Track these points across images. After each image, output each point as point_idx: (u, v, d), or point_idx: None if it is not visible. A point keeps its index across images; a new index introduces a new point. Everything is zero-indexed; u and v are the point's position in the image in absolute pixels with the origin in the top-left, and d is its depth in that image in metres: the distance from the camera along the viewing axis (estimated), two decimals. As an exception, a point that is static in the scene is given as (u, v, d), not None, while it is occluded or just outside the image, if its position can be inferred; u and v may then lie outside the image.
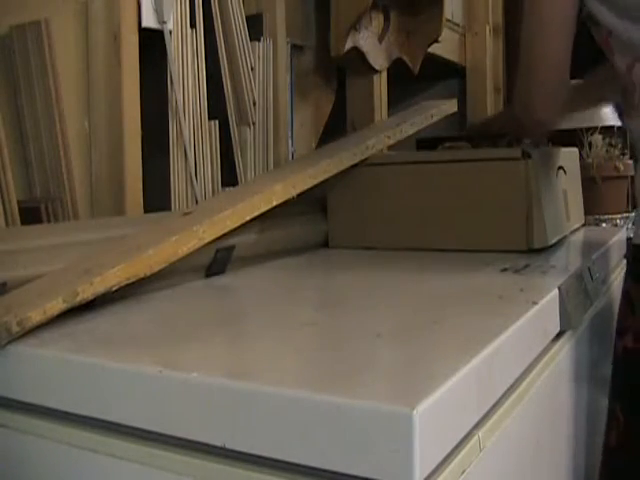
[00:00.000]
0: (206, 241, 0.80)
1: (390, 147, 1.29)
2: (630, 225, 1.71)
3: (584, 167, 1.45)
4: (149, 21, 1.04)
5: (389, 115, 1.64)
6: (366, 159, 1.13)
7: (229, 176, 1.20)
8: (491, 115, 1.95)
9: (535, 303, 0.65)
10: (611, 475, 0.84)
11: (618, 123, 1.77)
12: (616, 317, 0.88)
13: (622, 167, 1.70)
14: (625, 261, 1.18)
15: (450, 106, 1.42)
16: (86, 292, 0.63)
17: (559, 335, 0.73)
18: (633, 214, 1.74)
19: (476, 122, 1.55)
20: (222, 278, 0.88)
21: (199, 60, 1.14)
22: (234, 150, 1.21)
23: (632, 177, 1.62)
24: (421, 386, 0.43)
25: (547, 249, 1.01)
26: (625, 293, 0.87)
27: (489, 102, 2.19)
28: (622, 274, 1.14)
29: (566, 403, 0.77)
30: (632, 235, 0.87)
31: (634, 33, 0.79)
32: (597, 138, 1.73)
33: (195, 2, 1.13)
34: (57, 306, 0.60)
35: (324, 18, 1.47)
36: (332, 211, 1.16)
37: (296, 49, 1.48)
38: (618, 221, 1.69)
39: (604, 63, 0.90)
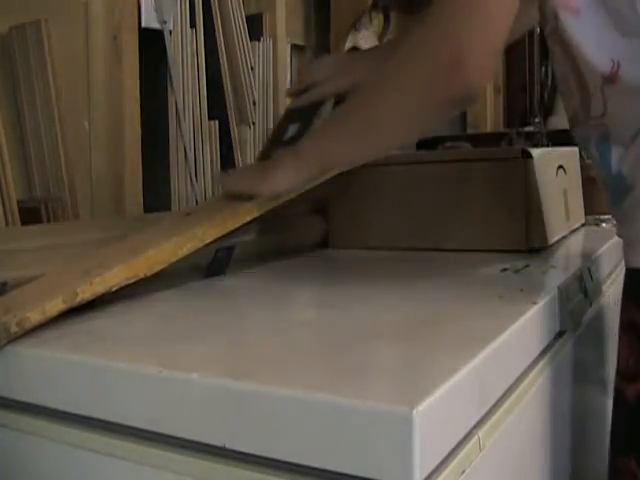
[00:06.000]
0: (206, 242, 0.80)
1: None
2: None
3: (584, 167, 1.44)
4: (149, 21, 1.04)
5: (389, 115, 1.64)
6: (366, 159, 1.12)
7: (229, 176, 1.20)
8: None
9: (535, 303, 0.65)
10: None
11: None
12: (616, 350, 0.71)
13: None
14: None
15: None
16: (86, 292, 0.63)
17: (559, 335, 0.73)
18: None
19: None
20: (222, 278, 0.88)
21: (199, 60, 1.14)
22: (234, 150, 1.21)
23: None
24: (421, 386, 0.43)
25: (547, 249, 1.01)
26: (630, 325, 0.68)
27: (489, 102, 2.19)
28: (622, 274, 1.14)
29: (566, 403, 0.77)
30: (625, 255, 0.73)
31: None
32: (597, 138, 1.72)
33: (195, 2, 1.13)
34: (57, 306, 0.60)
35: (324, 18, 1.48)
36: (332, 211, 1.16)
37: (296, 49, 1.49)
38: (618, 221, 1.69)
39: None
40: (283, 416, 0.43)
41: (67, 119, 0.98)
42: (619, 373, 0.70)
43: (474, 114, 2.14)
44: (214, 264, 0.88)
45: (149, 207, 1.04)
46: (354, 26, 1.43)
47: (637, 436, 0.68)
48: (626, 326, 0.69)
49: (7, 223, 0.88)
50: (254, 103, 1.24)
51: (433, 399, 0.41)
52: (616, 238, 1.05)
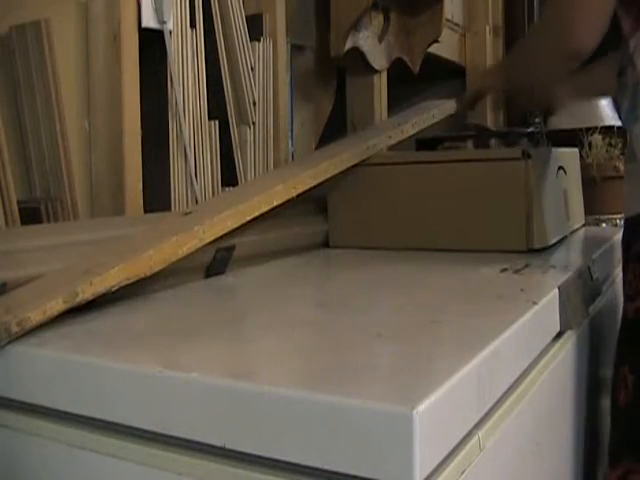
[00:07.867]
0: (206, 241, 0.80)
1: (390, 147, 1.29)
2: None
3: (584, 167, 1.44)
4: (149, 21, 1.04)
5: (389, 115, 1.64)
6: (367, 159, 1.13)
7: (229, 176, 1.20)
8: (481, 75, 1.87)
9: (535, 303, 0.65)
10: (623, 435, 0.83)
11: (618, 123, 1.77)
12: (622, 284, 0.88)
13: (622, 167, 1.69)
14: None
15: (451, 106, 1.42)
16: (86, 292, 0.63)
17: (559, 335, 0.73)
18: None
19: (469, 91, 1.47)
20: (222, 278, 0.88)
21: (199, 60, 1.14)
22: (234, 150, 1.21)
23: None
24: (421, 386, 0.43)
25: (547, 249, 1.01)
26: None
27: (489, 102, 2.18)
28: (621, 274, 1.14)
29: (566, 403, 0.77)
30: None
31: None
32: (597, 138, 1.73)
33: (195, 2, 1.13)
34: (57, 306, 0.60)
35: (324, 18, 1.47)
36: (332, 211, 1.16)
37: (296, 49, 1.48)
38: (618, 221, 1.69)
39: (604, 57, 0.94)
40: (283, 416, 0.43)
41: (67, 119, 0.98)
42: (626, 294, 0.86)
43: (474, 114, 2.14)
44: (214, 264, 0.88)
45: (149, 207, 1.04)
46: (354, 26, 1.43)
47: (630, 347, 0.83)
48: (635, 256, 0.86)
49: (7, 223, 0.87)
50: (254, 103, 1.24)
51: (433, 399, 0.41)
52: (616, 238, 1.06)
